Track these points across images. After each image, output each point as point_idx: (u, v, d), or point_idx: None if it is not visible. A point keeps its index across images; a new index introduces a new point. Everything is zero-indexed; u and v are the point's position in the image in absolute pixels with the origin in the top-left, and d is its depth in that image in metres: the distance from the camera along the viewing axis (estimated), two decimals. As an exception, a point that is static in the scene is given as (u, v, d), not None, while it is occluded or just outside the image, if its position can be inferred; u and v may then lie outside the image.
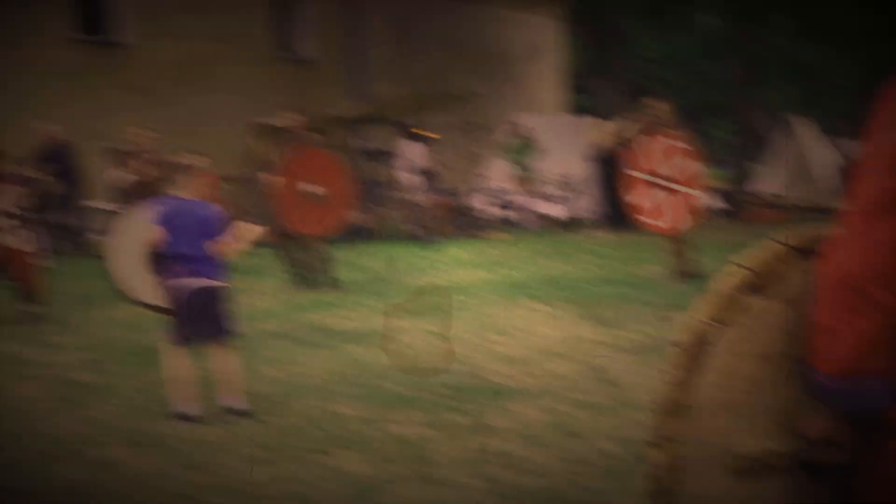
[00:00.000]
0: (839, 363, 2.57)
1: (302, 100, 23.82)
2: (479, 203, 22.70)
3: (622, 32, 26.23)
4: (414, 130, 21.05)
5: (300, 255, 13.54)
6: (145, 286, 7.81)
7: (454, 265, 16.06)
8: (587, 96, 32.92)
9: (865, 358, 2.56)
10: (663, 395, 2.66)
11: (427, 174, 20.48)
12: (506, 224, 22.51)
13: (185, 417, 7.47)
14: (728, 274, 2.67)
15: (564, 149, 24.93)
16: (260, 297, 13.01)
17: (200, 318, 7.54)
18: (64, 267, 16.38)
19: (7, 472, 6.49)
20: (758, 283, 2.68)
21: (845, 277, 2.54)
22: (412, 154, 20.77)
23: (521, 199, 22.52)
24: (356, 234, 20.84)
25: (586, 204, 22.81)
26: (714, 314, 2.67)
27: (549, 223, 21.68)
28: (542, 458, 6.43)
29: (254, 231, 7.86)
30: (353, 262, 16.50)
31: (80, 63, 21.74)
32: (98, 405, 8.07)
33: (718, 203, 22.48)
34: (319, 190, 13.12)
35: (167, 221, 7.53)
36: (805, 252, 2.68)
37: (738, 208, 23.24)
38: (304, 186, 13.05)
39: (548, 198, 22.09)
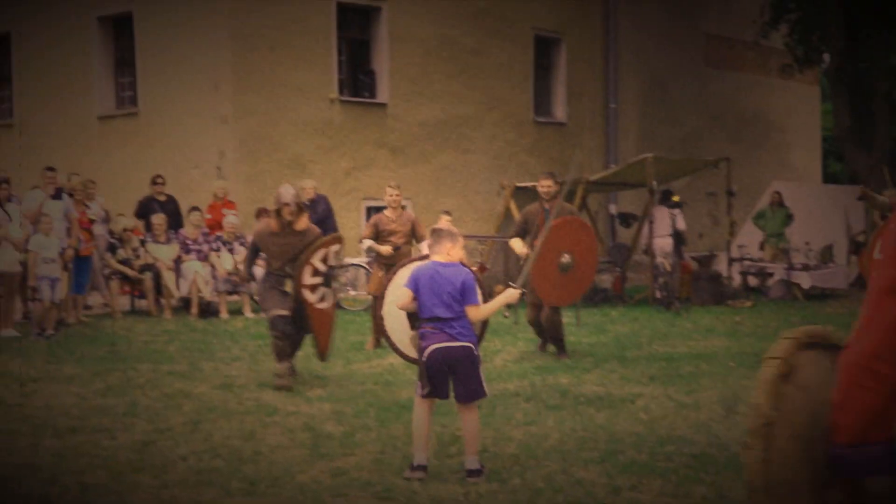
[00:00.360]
0: (848, 432, 2.98)
1: (554, 162, 24.13)
2: (727, 269, 22.40)
3: (880, 98, 25.47)
4: (668, 194, 20.95)
5: (542, 319, 13.60)
6: (406, 341, 8.22)
7: (699, 332, 15.92)
8: (843, 163, 32.13)
9: (871, 427, 2.96)
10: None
11: (677, 239, 20.35)
12: (753, 291, 22.14)
13: (415, 468, 7.74)
14: (767, 364, 3.19)
15: (818, 217, 24.44)
16: (507, 356, 13.21)
17: (446, 379, 7.82)
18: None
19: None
20: (786, 372, 3.19)
21: (857, 357, 2.98)
22: (663, 219, 20.69)
23: (771, 267, 22.11)
24: (602, 298, 20.90)
25: (838, 274, 22.27)
26: (767, 400, 3.17)
27: (798, 292, 21.20)
28: None
29: (509, 296, 8.05)
30: (598, 325, 16.57)
31: (340, 121, 22.58)
32: (343, 457, 8.38)
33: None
34: (569, 259, 13.16)
35: (418, 284, 7.87)
36: (812, 345, 3.25)
37: None
38: (557, 256, 13.09)
39: (798, 266, 21.62)
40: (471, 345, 7.79)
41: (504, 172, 24.21)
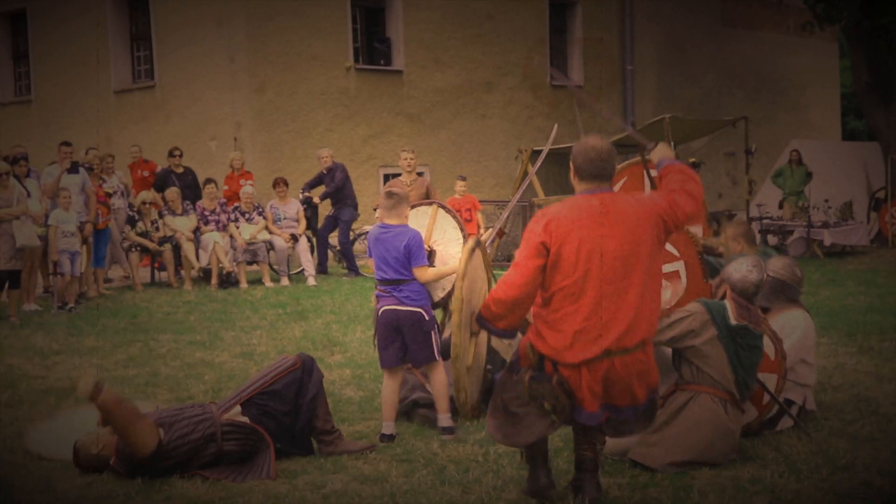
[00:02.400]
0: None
1: (571, 125, 24.06)
2: (747, 229, 22.34)
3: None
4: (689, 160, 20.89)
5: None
6: None
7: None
8: (862, 120, 31.94)
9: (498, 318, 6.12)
10: None
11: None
12: (773, 249, 22.04)
13: (383, 437, 7.81)
14: None
15: (837, 174, 24.34)
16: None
17: (395, 342, 7.83)
18: (331, 286, 17.16)
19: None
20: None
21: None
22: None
23: (790, 225, 22.04)
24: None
25: (858, 231, 22.19)
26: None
27: (818, 249, 21.14)
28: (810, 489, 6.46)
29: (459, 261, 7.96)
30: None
31: (356, 89, 22.57)
32: (363, 421, 8.44)
33: None
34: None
35: (373, 248, 7.91)
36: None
37: None
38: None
39: (818, 224, 21.55)
40: (420, 310, 7.77)
41: (521, 137, 24.17)
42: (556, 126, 9.26)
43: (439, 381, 7.90)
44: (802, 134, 28.88)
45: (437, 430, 7.92)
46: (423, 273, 7.79)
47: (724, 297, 7.28)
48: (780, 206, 23.13)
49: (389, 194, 7.97)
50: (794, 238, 21.74)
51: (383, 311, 7.85)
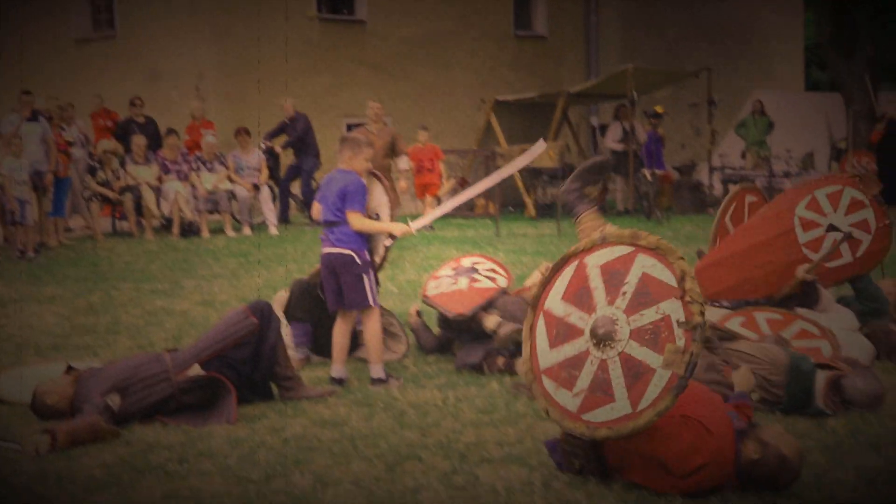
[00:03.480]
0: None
1: (535, 76, 24.07)
2: (708, 178, 22.47)
3: (861, 4, 25.28)
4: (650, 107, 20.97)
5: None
6: None
7: (679, 239, 15.98)
8: (826, 72, 32.02)
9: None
10: None
11: (653, 148, 20.42)
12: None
13: (332, 380, 7.86)
14: None
15: (799, 125, 24.46)
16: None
17: (334, 285, 7.86)
18: (293, 235, 17.19)
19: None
20: None
21: None
22: (638, 130, 20.73)
23: (752, 175, 22.16)
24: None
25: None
26: None
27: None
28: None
29: (399, 228, 8.00)
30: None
31: (318, 39, 22.43)
32: (323, 367, 8.46)
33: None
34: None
35: (319, 192, 8.00)
36: None
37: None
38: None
39: (780, 174, 21.67)
40: (351, 252, 7.75)
41: (485, 87, 24.09)
42: (541, 140, 9.13)
43: (372, 329, 7.88)
44: (765, 85, 28.87)
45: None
46: (354, 217, 7.76)
47: None
48: (743, 157, 23.21)
49: (341, 139, 8.12)
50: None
51: (322, 255, 7.94)
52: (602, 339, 5.37)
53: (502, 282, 8.93)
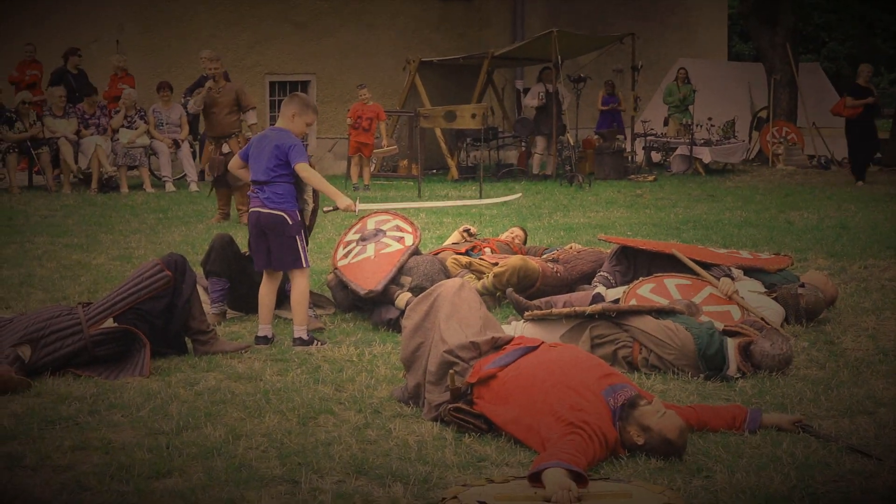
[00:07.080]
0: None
1: (460, 38, 24.02)
2: (630, 144, 22.64)
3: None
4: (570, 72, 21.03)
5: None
6: None
7: (600, 204, 16.10)
8: (748, 44, 32.26)
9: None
10: None
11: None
12: (656, 166, 22.44)
13: (258, 339, 7.81)
14: None
15: (722, 93, 24.71)
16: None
17: (262, 244, 7.78)
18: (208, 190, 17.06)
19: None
20: None
21: None
22: (562, 93, 20.79)
23: (673, 142, 22.38)
24: (507, 173, 21.03)
25: (739, 149, 22.64)
26: None
27: (699, 167, 21.53)
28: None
29: (345, 202, 7.85)
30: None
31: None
32: (240, 322, 8.43)
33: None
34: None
35: (249, 149, 7.89)
36: None
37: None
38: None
39: (701, 142, 21.89)
40: (282, 213, 7.67)
41: (409, 48, 23.98)
42: (520, 194, 9.22)
43: (299, 289, 7.80)
44: (690, 53, 29.08)
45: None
46: (304, 169, 7.66)
47: None
48: (665, 124, 23.39)
49: (291, 95, 8.05)
50: (677, 155, 22.07)
51: (249, 213, 7.87)
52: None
53: (409, 240, 8.91)
